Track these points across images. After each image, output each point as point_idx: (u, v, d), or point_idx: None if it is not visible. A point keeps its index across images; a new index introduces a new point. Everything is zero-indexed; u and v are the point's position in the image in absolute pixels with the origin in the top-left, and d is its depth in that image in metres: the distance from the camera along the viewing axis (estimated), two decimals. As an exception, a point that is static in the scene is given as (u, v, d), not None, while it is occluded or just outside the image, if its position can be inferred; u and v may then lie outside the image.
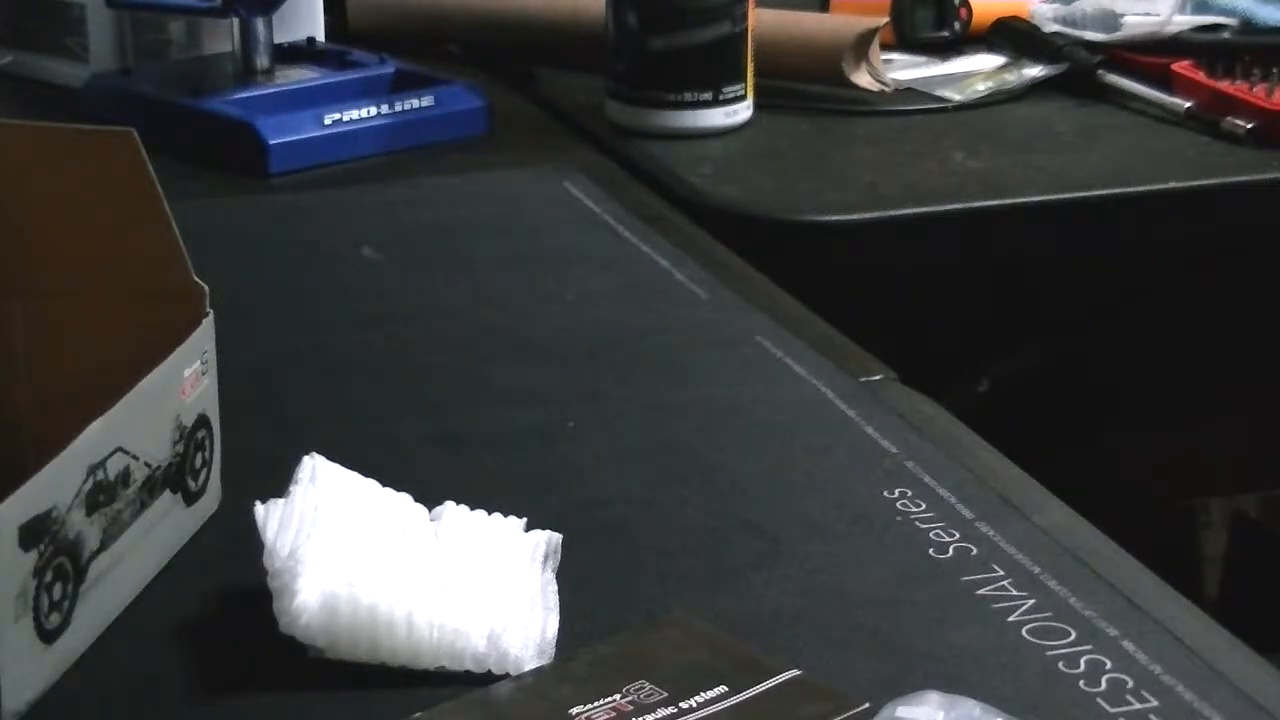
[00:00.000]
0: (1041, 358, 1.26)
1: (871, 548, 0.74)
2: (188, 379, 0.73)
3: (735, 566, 0.72)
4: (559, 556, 0.71)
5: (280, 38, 1.33)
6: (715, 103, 1.30)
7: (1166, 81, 1.37)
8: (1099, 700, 0.64)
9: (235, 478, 0.76)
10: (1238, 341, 1.28)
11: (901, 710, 0.59)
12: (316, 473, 0.70)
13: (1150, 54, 1.41)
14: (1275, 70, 1.33)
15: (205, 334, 0.74)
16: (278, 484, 0.70)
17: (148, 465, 0.69)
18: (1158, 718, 0.63)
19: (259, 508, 0.68)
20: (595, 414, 0.87)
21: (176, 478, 0.72)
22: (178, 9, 1.34)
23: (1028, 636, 0.68)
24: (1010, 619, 0.69)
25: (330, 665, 0.65)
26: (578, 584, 0.70)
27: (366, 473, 0.73)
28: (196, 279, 0.74)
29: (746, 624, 0.68)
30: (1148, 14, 1.44)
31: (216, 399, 0.76)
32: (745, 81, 1.31)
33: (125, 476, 0.67)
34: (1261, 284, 1.26)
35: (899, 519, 0.76)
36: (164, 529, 0.71)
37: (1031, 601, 0.70)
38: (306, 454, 0.72)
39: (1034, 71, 1.42)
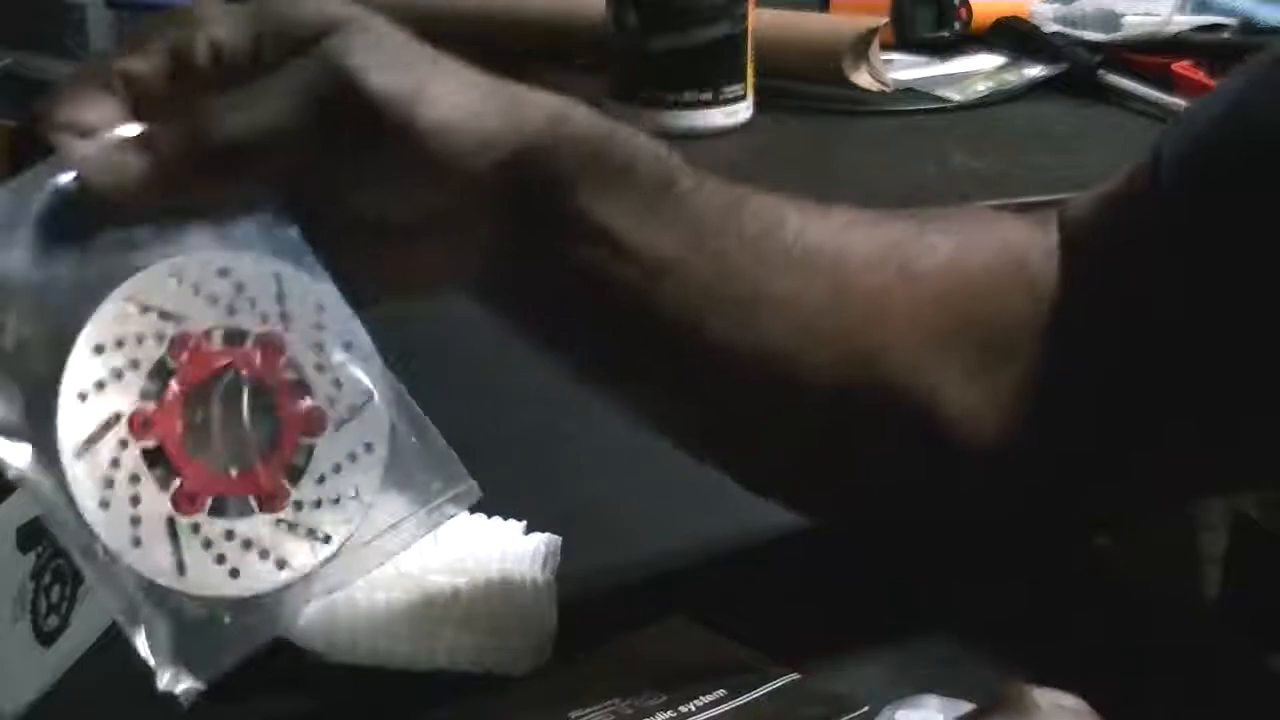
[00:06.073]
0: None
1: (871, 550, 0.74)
2: (187, 380, 0.72)
3: (734, 568, 0.72)
4: (558, 559, 0.70)
5: (280, 37, 1.32)
6: (715, 103, 1.30)
7: (1166, 81, 1.36)
8: (1099, 703, 0.64)
9: (234, 479, 0.76)
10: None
11: (901, 714, 0.59)
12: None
13: (1150, 54, 1.40)
14: (1275, 70, 1.33)
15: (204, 335, 0.74)
16: (277, 486, 0.70)
17: (147, 467, 0.69)
18: None
19: (258, 511, 0.68)
20: (595, 414, 0.86)
21: (176, 479, 0.72)
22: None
23: (1027, 639, 0.68)
24: (1010, 621, 0.69)
25: (329, 668, 0.65)
26: (577, 586, 0.70)
27: (366, 474, 0.72)
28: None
29: (746, 627, 0.68)
30: (1148, 14, 1.44)
31: (216, 400, 0.75)
32: (745, 81, 1.31)
33: (124, 478, 0.67)
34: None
35: (899, 521, 0.76)
36: (163, 531, 0.71)
37: (1031, 604, 0.70)
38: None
39: (1034, 71, 1.41)
